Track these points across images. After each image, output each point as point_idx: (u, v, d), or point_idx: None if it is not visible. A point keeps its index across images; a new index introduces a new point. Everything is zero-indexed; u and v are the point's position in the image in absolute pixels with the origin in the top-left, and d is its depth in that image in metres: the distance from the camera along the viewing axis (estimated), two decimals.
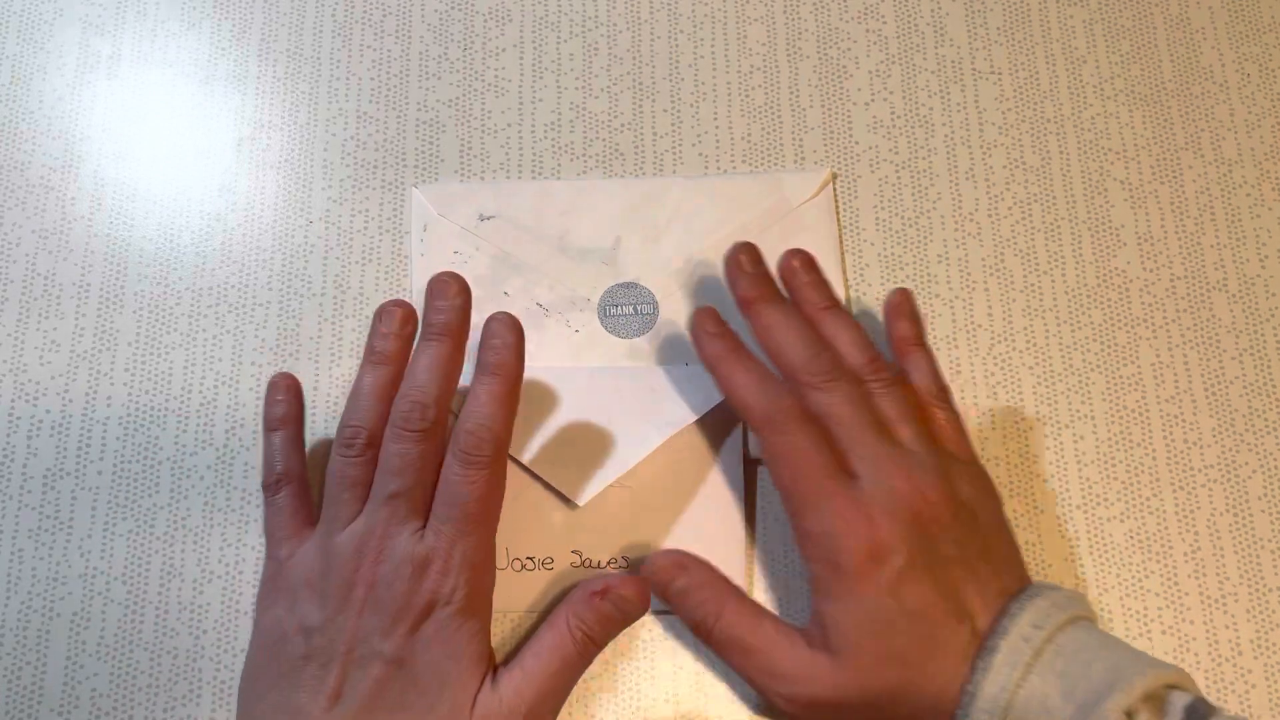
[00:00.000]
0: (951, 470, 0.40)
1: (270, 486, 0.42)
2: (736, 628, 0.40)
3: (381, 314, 0.42)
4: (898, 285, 0.48)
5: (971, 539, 0.39)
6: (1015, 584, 0.38)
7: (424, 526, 0.39)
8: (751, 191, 0.49)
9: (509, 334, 0.41)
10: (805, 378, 0.41)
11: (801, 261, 0.44)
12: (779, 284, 0.44)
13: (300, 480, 0.43)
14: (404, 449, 0.39)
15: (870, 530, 0.38)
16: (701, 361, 0.43)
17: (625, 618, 0.40)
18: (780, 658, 0.39)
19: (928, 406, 0.42)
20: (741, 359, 0.42)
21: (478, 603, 0.39)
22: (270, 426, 0.43)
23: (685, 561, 0.42)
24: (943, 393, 0.43)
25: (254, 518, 0.45)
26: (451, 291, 0.41)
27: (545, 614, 0.43)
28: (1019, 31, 0.52)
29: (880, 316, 0.47)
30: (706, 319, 0.43)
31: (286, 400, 0.44)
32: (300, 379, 0.46)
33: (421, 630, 0.38)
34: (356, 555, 0.38)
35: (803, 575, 0.44)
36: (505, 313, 0.41)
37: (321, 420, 0.46)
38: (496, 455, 0.39)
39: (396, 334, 0.42)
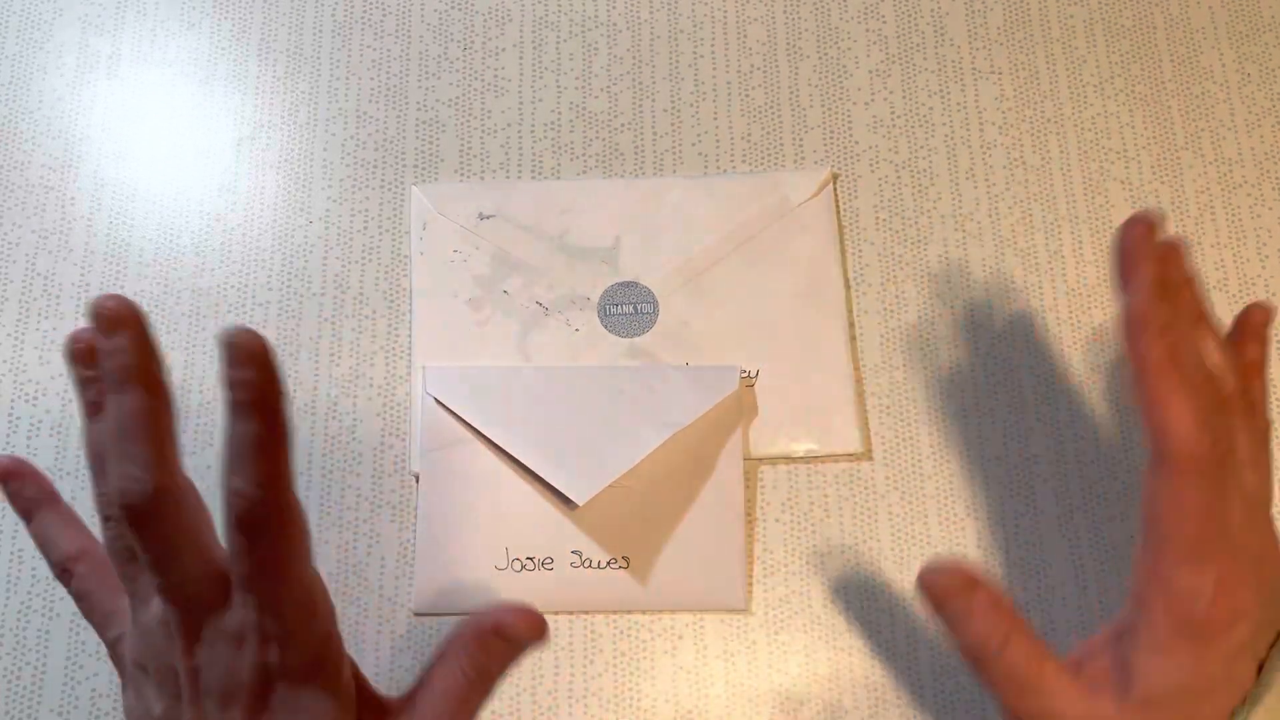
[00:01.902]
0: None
1: (61, 576, 0.37)
2: (1020, 664, 0.35)
3: (67, 354, 0.36)
4: (898, 285, 0.48)
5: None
6: None
7: (228, 589, 0.33)
8: (751, 191, 0.49)
9: (253, 358, 0.32)
10: (1200, 449, 0.34)
11: (1170, 257, 0.37)
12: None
13: (87, 556, 0.38)
14: (144, 542, 0.33)
15: (1239, 598, 0.34)
16: (1127, 354, 0.34)
17: (521, 650, 0.36)
18: (1061, 704, 0.35)
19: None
20: (1184, 375, 0.34)
21: (322, 669, 0.34)
22: (27, 517, 0.38)
23: (974, 580, 0.35)
24: (1268, 429, 0.38)
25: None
26: (112, 324, 0.33)
27: (545, 614, 0.43)
28: (1019, 31, 0.52)
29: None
30: (1148, 299, 0.34)
31: (22, 486, 0.38)
32: (300, 379, 0.46)
33: (265, 712, 0.33)
34: (168, 642, 0.34)
35: (803, 576, 0.44)
36: (243, 331, 0.32)
37: (322, 420, 0.46)
38: (276, 511, 0.33)
39: (95, 376, 0.35)
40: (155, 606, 0.34)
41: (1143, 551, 0.35)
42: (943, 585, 0.35)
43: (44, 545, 0.38)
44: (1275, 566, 0.35)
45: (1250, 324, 0.39)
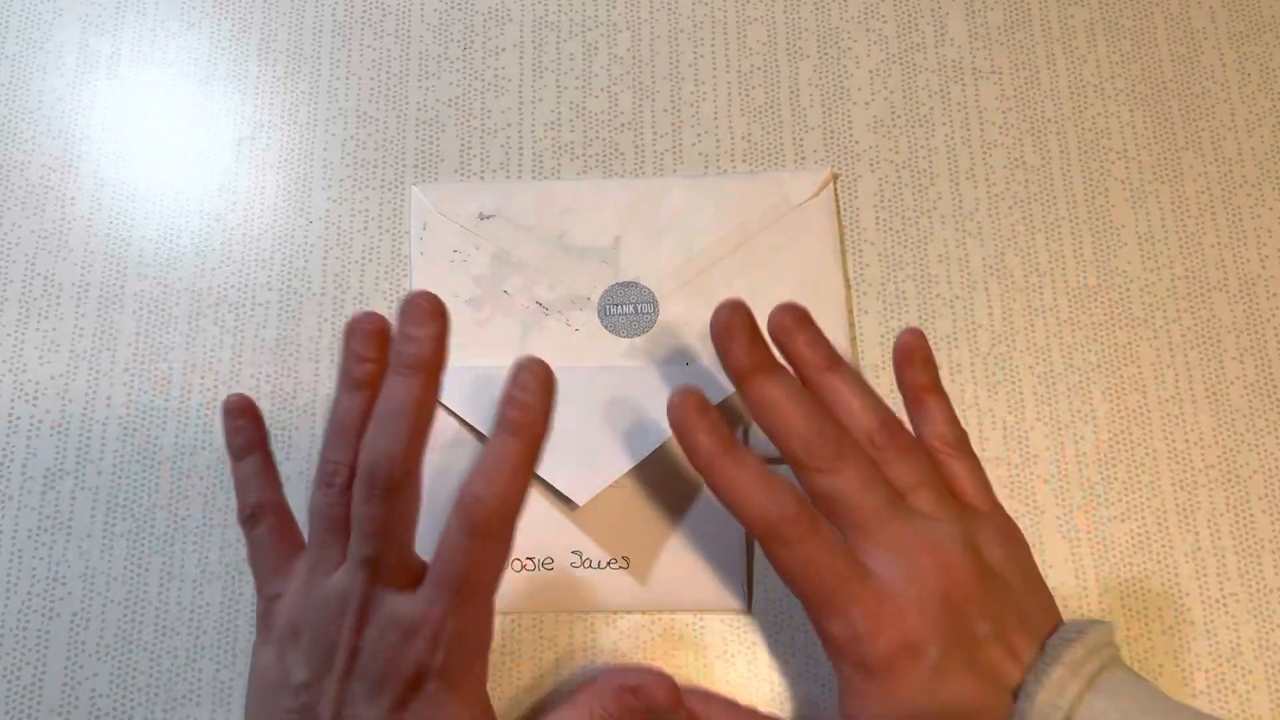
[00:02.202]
0: (977, 532, 0.37)
1: (248, 520, 0.40)
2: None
3: (352, 331, 0.38)
4: (898, 285, 0.48)
5: (1004, 608, 0.36)
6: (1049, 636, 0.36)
7: (413, 585, 0.35)
8: (751, 191, 0.49)
9: (539, 389, 0.35)
10: (809, 461, 0.37)
11: (794, 318, 0.39)
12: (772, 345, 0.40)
13: (278, 509, 0.40)
14: (372, 512, 0.35)
15: (901, 626, 0.35)
16: (688, 457, 0.37)
17: (651, 713, 0.37)
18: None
19: (945, 460, 0.39)
20: (739, 459, 0.37)
21: (470, 678, 0.36)
22: (236, 455, 0.41)
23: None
24: (960, 441, 0.40)
25: None
26: (424, 316, 0.36)
27: (545, 614, 0.44)
28: (1019, 31, 0.52)
29: (889, 346, 0.47)
30: (689, 406, 0.37)
31: (246, 424, 0.41)
32: (300, 379, 0.46)
33: (410, 705, 0.35)
34: (339, 616, 0.35)
35: None
36: (539, 361, 0.35)
37: (321, 424, 0.46)
38: (505, 527, 0.35)
39: (372, 357, 0.37)
40: (340, 578, 0.36)
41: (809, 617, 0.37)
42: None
43: (243, 486, 0.40)
44: (958, 583, 0.36)
45: (901, 349, 0.40)
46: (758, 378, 0.38)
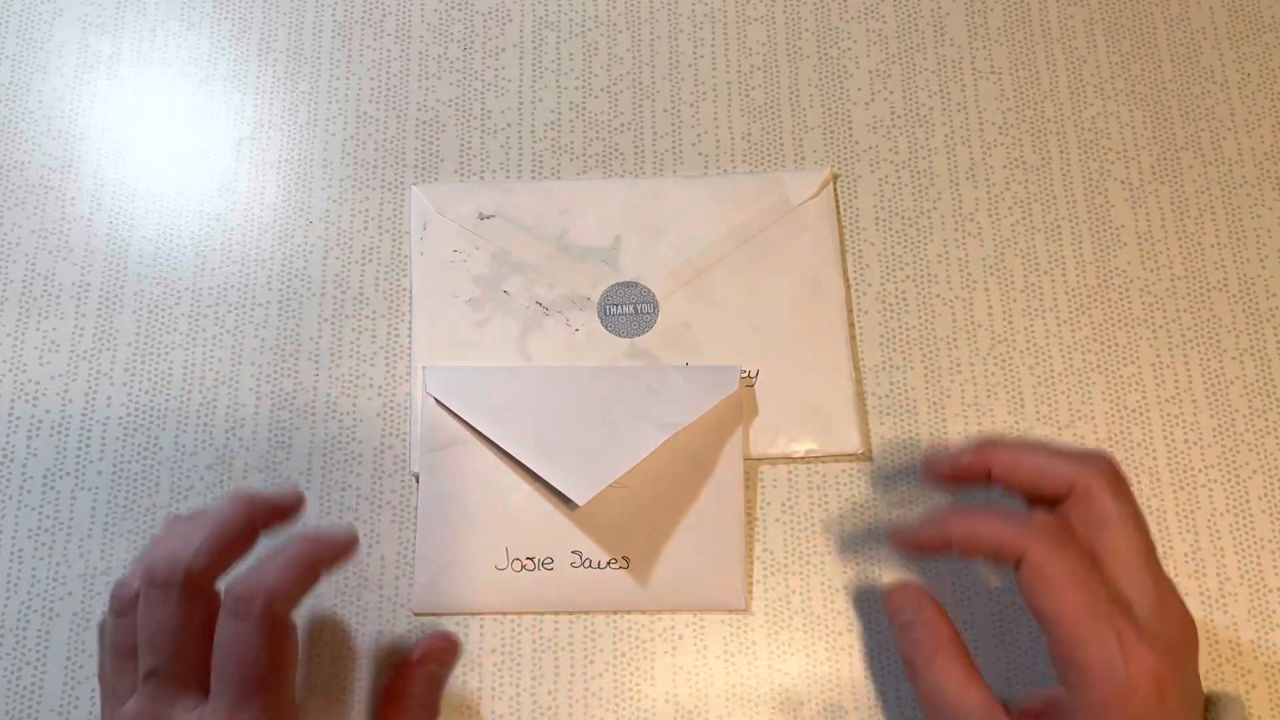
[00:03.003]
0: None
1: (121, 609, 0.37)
2: (942, 679, 0.36)
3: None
4: (898, 285, 0.48)
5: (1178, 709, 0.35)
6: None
7: (203, 692, 0.34)
8: (751, 191, 0.49)
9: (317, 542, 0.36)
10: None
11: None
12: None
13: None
14: (153, 613, 0.34)
15: (1157, 665, 0.34)
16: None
17: (449, 667, 0.42)
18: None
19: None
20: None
21: None
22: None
23: (921, 598, 0.39)
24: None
25: None
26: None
27: (545, 614, 0.44)
28: (1019, 31, 0.52)
29: None
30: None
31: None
32: (300, 379, 0.46)
33: None
34: None
35: (803, 576, 0.44)
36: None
37: (322, 420, 0.46)
38: (269, 610, 0.34)
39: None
40: (129, 707, 0.34)
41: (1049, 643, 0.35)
42: (893, 601, 0.39)
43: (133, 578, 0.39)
44: (1194, 643, 0.35)
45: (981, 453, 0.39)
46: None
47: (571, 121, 0.50)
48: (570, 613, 0.44)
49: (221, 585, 0.35)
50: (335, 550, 0.37)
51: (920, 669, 0.37)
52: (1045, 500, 0.37)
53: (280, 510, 0.38)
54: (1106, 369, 0.47)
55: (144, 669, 0.34)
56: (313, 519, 0.45)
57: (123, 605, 0.35)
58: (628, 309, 0.47)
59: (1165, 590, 0.35)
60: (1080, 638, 0.34)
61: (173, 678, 0.34)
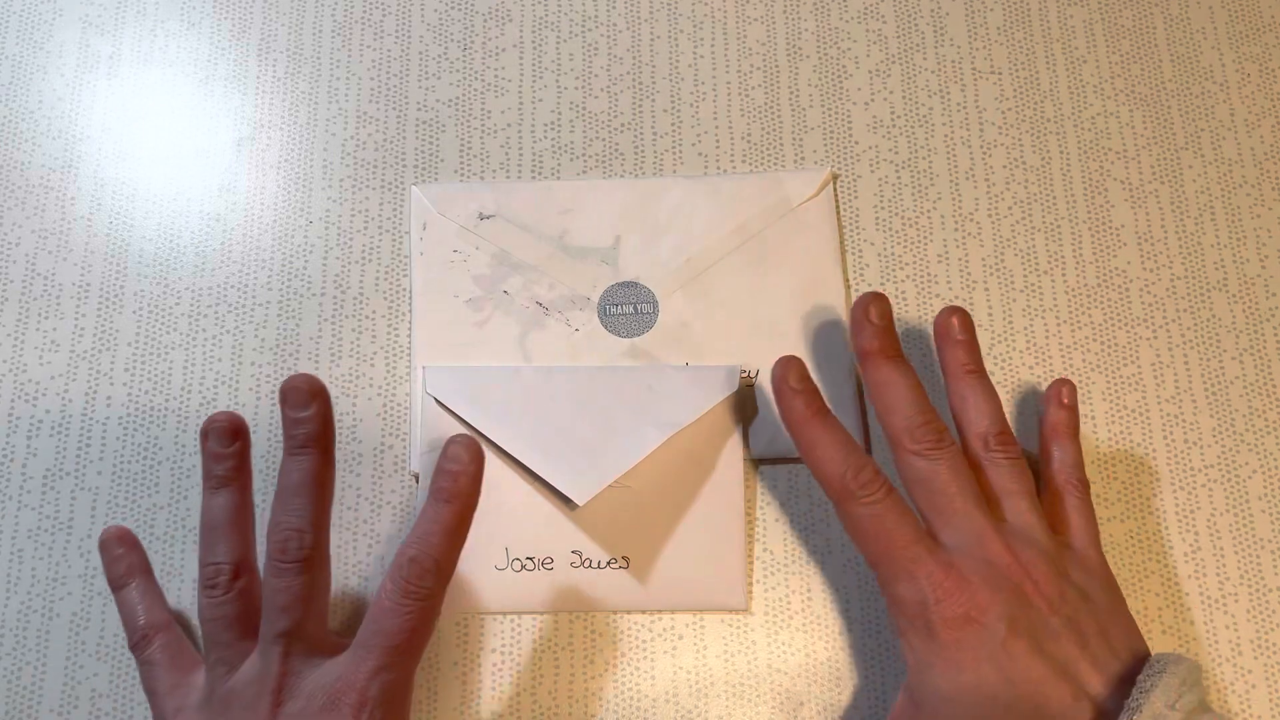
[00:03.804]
0: (1063, 555, 0.38)
1: (138, 644, 0.40)
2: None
3: (208, 432, 0.39)
4: (898, 285, 0.48)
5: (1082, 615, 0.36)
6: (1138, 668, 0.36)
7: (328, 655, 0.37)
8: (751, 191, 0.49)
9: (468, 459, 0.37)
10: (909, 442, 0.39)
11: (960, 320, 0.43)
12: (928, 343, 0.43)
13: (168, 627, 0.40)
14: (287, 584, 0.36)
15: (968, 594, 0.36)
16: (782, 419, 0.41)
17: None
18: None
19: (1064, 494, 0.41)
20: (826, 423, 0.40)
21: None
22: (117, 584, 0.41)
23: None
24: (1081, 485, 0.41)
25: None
26: (304, 399, 0.38)
27: (545, 614, 0.44)
28: (1019, 31, 0.52)
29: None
30: (791, 372, 0.41)
31: (125, 552, 0.42)
32: None
33: None
34: (255, 699, 0.36)
35: (803, 576, 0.44)
36: (467, 436, 0.38)
37: None
38: (437, 589, 0.37)
39: (231, 453, 0.39)
40: (252, 662, 0.37)
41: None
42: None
43: (129, 612, 0.41)
44: (1031, 579, 0.37)
45: (1052, 394, 0.44)
46: (882, 359, 0.41)
47: (571, 121, 0.50)
48: (570, 613, 0.44)
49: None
50: (472, 507, 0.38)
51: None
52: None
53: (331, 455, 0.39)
54: (1106, 369, 0.47)
55: (275, 630, 0.36)
56: None
57: (223, 581, 0.38)
58: (628, 309, 0.47)
59: (987, 532, 0.38)
60: (892, 579, 0.38)
61: (303, 639, 0.36)
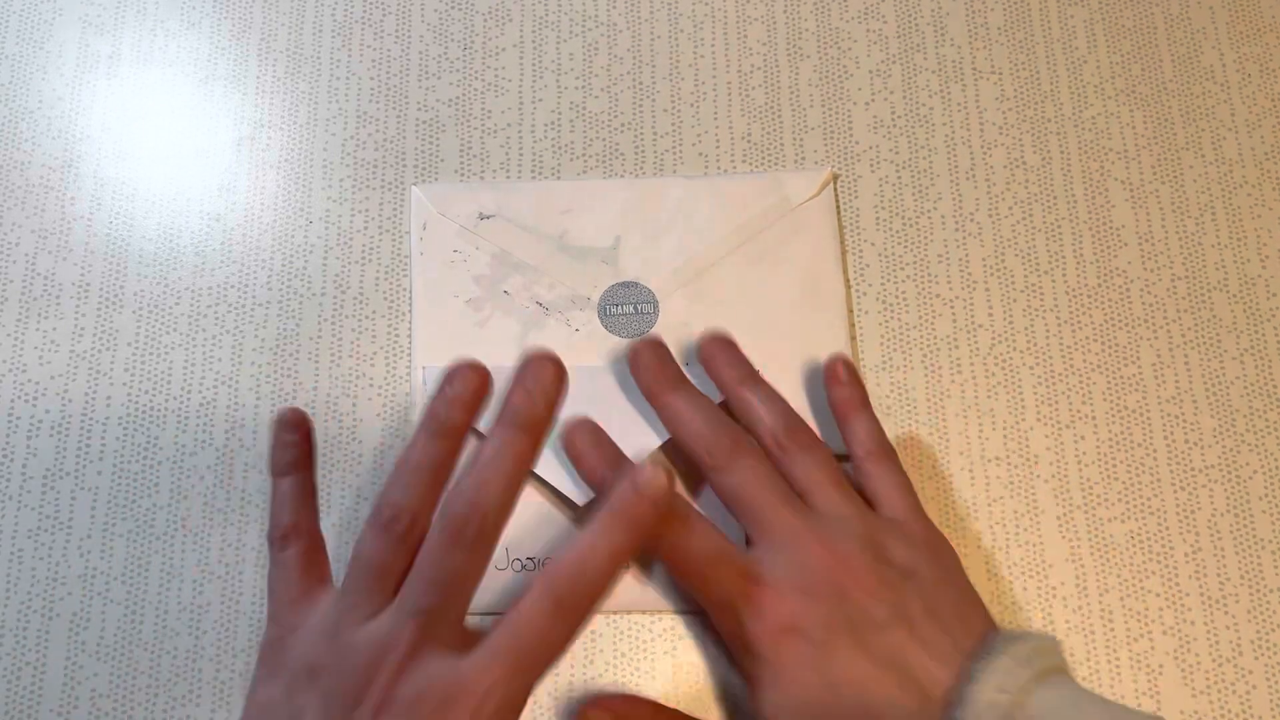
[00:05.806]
0: (881, 532, 0.38)
1: (277, 541, 0.38)
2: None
3: (453, 375, 0.35)
4: (898, 285, 0.48)
5: (906, 598, 0.36)
6: (973, 641, 0.35)
7: (460, 649, 0.33)
8: (751, 191, 0.49)
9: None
10: (708, 460, 0.40)
11: (716, 344, 0.44)
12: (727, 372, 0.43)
13: (311, 535, 0.38)
14: (452, 562, 0.33)
15: (779, 607, 0.36)
16: (641, 388, 0.43)
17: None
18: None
19: (865, 467, 0.41)
20: (685, 393, 0.42)
21: None
22: (278, 471, 0.39)
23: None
24: (882, 449, 0.42)
25: (254, 518, 0.44)
26: (549, 379, 0.35)
27: None
28: (1019, 31, 0.52)
29: (885, 313, 0.47)
30: (648, 348, 0.43)
31: (297, 442, 0.39)
32: (300, 379, 0.46)
33: None
34: (372, 664, 0.33)
35: None
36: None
37: (321, 421, 0.46)
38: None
39: (467, 403, 0.35)
40: (384, 624, 0.33)
41: None
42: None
43: (279, 505, 0.38)
44: (850, 571, 0.37)
45: (829, 372, 0.44)
46: (665, 394, 0.42)
47: (571, 121, 0.50)
48: None
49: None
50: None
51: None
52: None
53: (539, 446, 0.36)
54: (1107, 369, 0.47)
55: (417, 604, 0.33)
56: None
57: (399, 529, 0.34)
58: (628, 309, 0.47)
59: (800, 532, 0.38)
60: (715, 617, 0.39)
61: (443, 623, 0.33)
